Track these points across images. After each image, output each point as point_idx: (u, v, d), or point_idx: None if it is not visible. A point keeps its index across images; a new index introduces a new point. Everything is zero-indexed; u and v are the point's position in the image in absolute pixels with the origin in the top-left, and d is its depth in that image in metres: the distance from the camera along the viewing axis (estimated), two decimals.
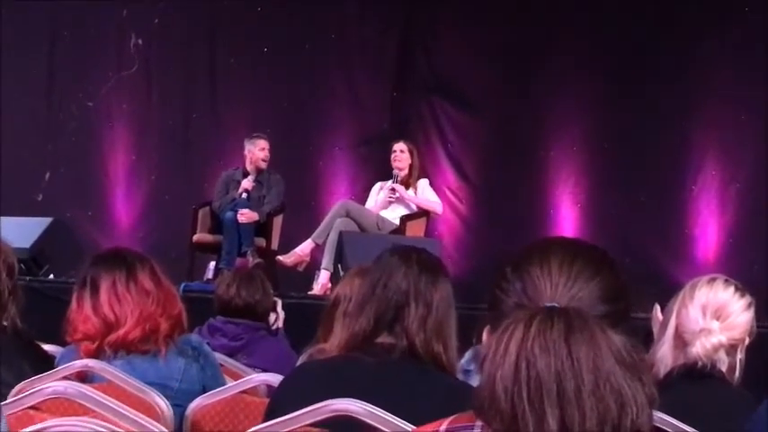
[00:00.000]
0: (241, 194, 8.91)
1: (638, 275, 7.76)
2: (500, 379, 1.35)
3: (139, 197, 10.53)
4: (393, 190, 8.70)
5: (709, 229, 9.11)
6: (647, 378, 1.38)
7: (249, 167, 9.00)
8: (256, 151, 8.98)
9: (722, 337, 2.64)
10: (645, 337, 2.72)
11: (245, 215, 8.71)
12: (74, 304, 3.18)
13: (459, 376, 2.83)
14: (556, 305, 1.44)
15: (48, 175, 10.64)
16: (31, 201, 10.38)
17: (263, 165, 8.97)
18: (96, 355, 3.10)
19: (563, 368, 1.33)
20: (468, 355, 3.27)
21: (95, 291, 3.15)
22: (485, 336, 1.58)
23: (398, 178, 8.74)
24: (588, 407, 1.32)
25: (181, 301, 3.26)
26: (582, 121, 9.58)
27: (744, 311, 2.68)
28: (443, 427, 1.50)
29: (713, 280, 2.71)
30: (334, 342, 2.61)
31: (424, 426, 1.55)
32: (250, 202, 8.87)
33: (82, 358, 3.09)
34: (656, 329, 2.78)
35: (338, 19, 10.23)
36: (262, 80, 10.34)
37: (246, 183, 8.94)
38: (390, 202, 8.71)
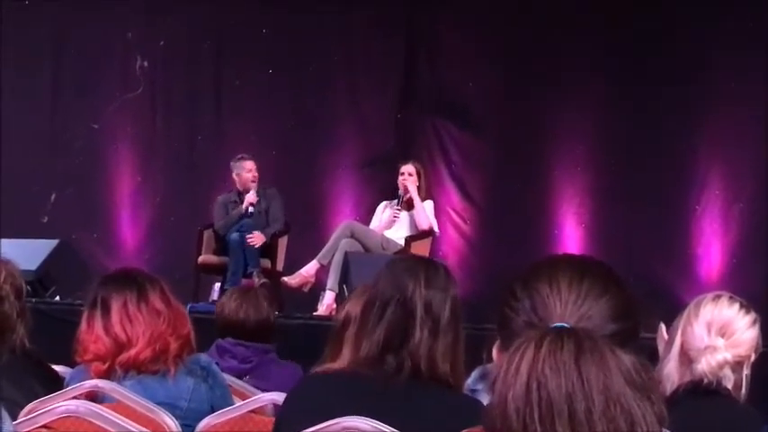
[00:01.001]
0: (247, 209, 8.94)
1: (642, 294, 7.79)
2: (512, 399, 1.36)
3: (145, 219, 10.55)
4: (398, 211, 8.73)
5: (712, 248, 9.13)
6: (656, 397, 1.39)
7: (241, 189, 9.05)
8: (244, 174, 9.03)
9: (727, 354, 2.65)
10: (650, 356, 2.73)
11: (256, 238, 8.75)
12: (84, 325, 3.19)
13: None
14: (566, 325, 1.45)
15: (53, 197, 10.65)
16: (37, 223, 10.40)
17: (253, 186, 9.02)
18: (107, 375, 3.10)
19: (573, 389, 1.34)
20: (474, 374, 3.26)
21: (106, 311, 3.16)
22: (495, 354, 1.60)
23: (403, 199, 8.76)
24: (599, 428, 1.33)
25: (190, 322, 3.28)
26: (586, 141, 9.61)
27: (749, 328, 2.70)
28: None
29: (718, 297, 2.72)
30: (342, 362, 2.57)
31: None
32: (252, 219, 8.90)
33: (92, 378, 3.10)
34: (661, 348, 2.79)
35: (342, 40, 10.27)
36: (267, 101, 10.38)
37: (251, 196, 8.98)
38: (394, 222, 8.73)
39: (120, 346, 3.12)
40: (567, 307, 1.51)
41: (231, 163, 9.15)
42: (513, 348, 1.39)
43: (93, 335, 3.14)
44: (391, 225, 8.72)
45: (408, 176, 8.73)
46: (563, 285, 1.53)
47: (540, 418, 1.34)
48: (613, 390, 1.34)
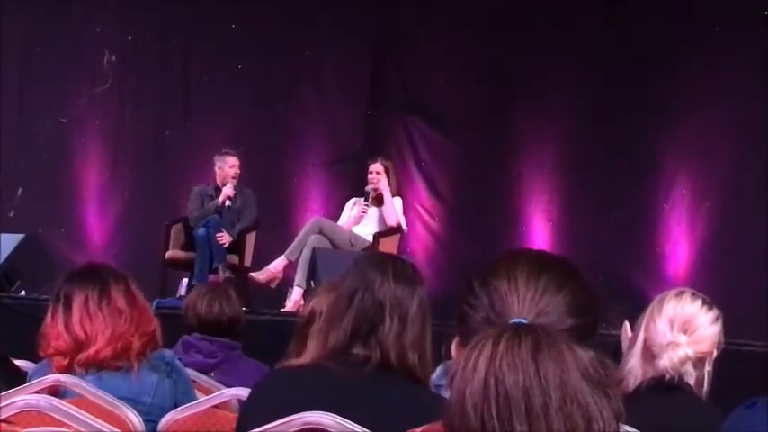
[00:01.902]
0: (224, 202, 8.92)
1: (609, 292, 7.83)
2: (469, 396, 1.35)
3: (112, 214, 10.50)
4: (366, 207, 8.74)
5: (679, 246, 9.18)
6: (613, 393, 1.39)
7: (220, 184, 9.02)
8: (226, 168, 9.01)
9: (689, 350, 2.66)
10: (614, 353, 2.74)
11: (224, 238, 8.73)
12: (48, 319, 3.17)
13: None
14: (524, 321, 1.45)
15: (20, 191, 10.59)
16: (3, 217, 10.33)
17: (233, 182, 9.00)
18: (68, 370, 3.09)
19: (531, 385, 1.34)
20: (438, 370, 3.27)
21: (68, 307, 3.14)
22: (453, 350, 1.59)
23: (370, 196, 8.76)
24: (556, 423, 1.33)
25: (155, 319, 3.26)
26: (554, 139, 9.64)
27: (711, 324, 2.71)
28: None
29: (681, 293, 2.74)
30: (307, 357, 2.57)
31: None
32: (223, 219, 8.88)
33: (54, 373, 3.09)
34: (624, 345, 2.80)
35: (312, 37, 10.25)
36: (236, 97, 10.35)
37: (228, 189, 8.95)
38: (362, 218, 8.73)
39: (80, 344, 3.10)
40: (524, 303, 1.51)
41: (215, 156, 9.13)
42: (471, 345, 1.39)
43: (55, 330, 3.13)
44: (359, 221, 8.73)
45: (377, 175, 8.74)
46: (520, 281, 1.53)
47: (498, 414, 1.34)
48: (570, 385, 1.34)
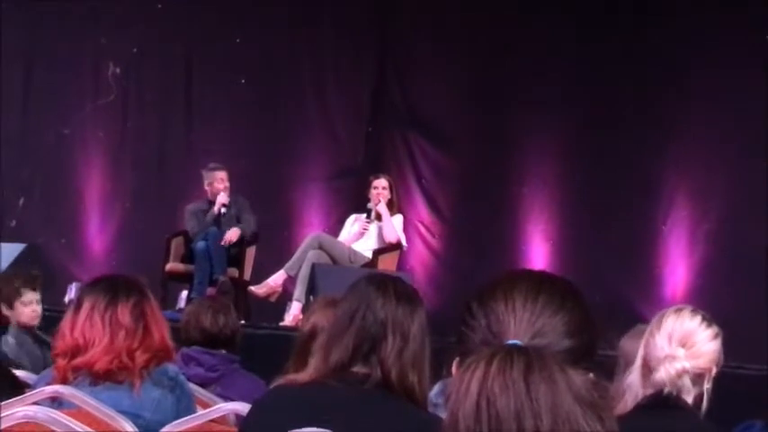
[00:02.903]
0: (219, 210, 8.93)
1: (607, 313, 7.82)
2: (462, 418, 1.35)
3: (113, 225, 10.51)
4: (367, 224, 8.76)
5: (678, 267, 9.17)
6: (607, 416, 1.37)
7: (211, 198, 9.04)
8: (216, 183, 9.03)
9: (686, 364, 2.66)
10: (609, 373, 2.75)
11: (231, 234, 8.75)
12: (65, 319, 3.21)
13: (429, 409, 2.83)
14: (518, 343, 1.45)
15: (21, 201, 10.61)
16: (5, 226, 10.34)
17: (226, 191, 9.01)
18: (65, 374, 3.10)
19: (522, 407, 1.33)
20: (436, 388, 3.27)
21: (77, 311, 3.18)
22: (454, 370, 1.60)
23: (373, 213, 8.78)
24: None
25: (168, 337, 3.25)
26: (555, 159, 9.64)
27: (710, 340, 2.71)
28: None
29: (680, 309, 2.75)
30: (307, 373, 2.56)
31: None
32: (222, 230, 8.89)
33: (55, 380, 3.10)
34: (622, 363, 2.81)
35: (314, 52, 10.27)
36: (237, 111, 10.37)
37: (222, 198, 8.96)
38: (363, 234, 8.75)
39: (78, 349, 3.11)
40: (521, 324, 1.51)
41: (203, 171, 9.14)
42: (465, 366, 1.38)
43: (62, 331, 3.16)
44: (360, 237, 8.74)
45: (383, 190, 8.76)
46: (518, 303, 1.53)
47: None
48: (562, 408, 1.34)
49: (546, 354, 1.39)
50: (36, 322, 5.37)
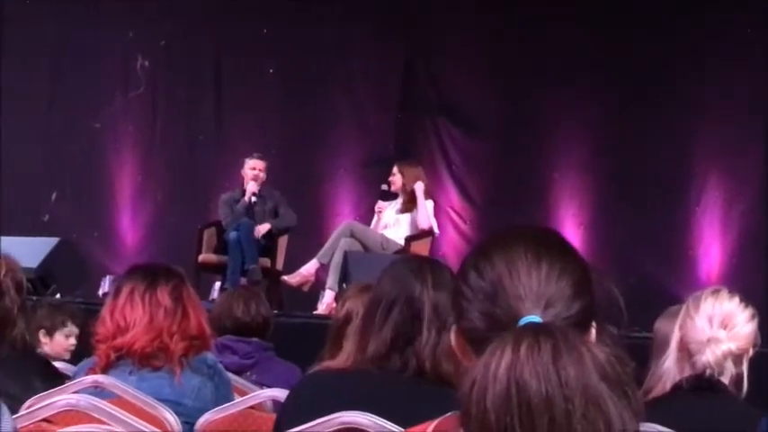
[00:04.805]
0: (250, 199, 8.95)
1: (641, 295, 7.79)
2: (491, 405, 1.32)
3: (145, 218, 10.56)
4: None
5: (712, 249, 9.14)
6: (632, 391, 1.35)
7: (245, 186, 9.07)
8: (247, 170, 9.06)
9: (731, 345, 2.67)
10: (643, 356, 2.74)
11: (261, 228, 8.79)
12: (104, 307, 3.24)
13: None
14: (537, 319, 1.42)
15: (54, 196, 10.67)
16: (38, 221, 10.41)
17: (255, 186, 9.01)
18: (107, 359, 3.13)
19: (553, 393, 1.31)
20: None
21: (116, 297, 3.20)
22: (453, 339, 1.54)
23: (390, 192, 8.81)
24: (578, 430, 1.31)
25: (206, 325, 3.27)
26: (586, 144, 9.62)
27: (748, 322, 2.72)
28: (430, 429, 1.51)
29: (717, 291, 2.75)
30: (343, 357, 2.56)
31: (413, 428, 1.54)
32: (255, 221, 8.91)
33: (95, 367, 3.13)
34: (656, 345, 2.81)
35: (343, 41, 10.28)
36: (267, 101, 10.39)
37: (251, 187, 8.98)
38: (379, 215, 8.78)
39: (119, 330, 3.14)
40: (530, 295, 1.46)
41: (245, 159, 9.17)
42: (489, 351, 1.35)
43: (102, 318, 3.19)
44: (380, 223, 8.75)
45: (392, 177, 8.77)
46: (521, 269, 1.47)
47: (521, 424, 1.31)
48: (591, 389, 1.32)
49: (570, 333, 1.36)
50: (67, 357, 5.32)
